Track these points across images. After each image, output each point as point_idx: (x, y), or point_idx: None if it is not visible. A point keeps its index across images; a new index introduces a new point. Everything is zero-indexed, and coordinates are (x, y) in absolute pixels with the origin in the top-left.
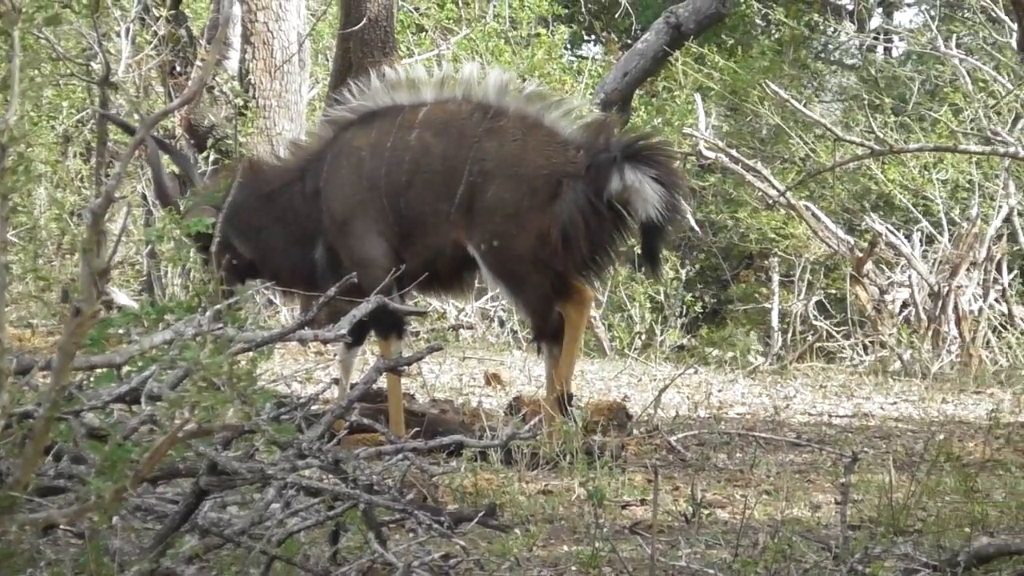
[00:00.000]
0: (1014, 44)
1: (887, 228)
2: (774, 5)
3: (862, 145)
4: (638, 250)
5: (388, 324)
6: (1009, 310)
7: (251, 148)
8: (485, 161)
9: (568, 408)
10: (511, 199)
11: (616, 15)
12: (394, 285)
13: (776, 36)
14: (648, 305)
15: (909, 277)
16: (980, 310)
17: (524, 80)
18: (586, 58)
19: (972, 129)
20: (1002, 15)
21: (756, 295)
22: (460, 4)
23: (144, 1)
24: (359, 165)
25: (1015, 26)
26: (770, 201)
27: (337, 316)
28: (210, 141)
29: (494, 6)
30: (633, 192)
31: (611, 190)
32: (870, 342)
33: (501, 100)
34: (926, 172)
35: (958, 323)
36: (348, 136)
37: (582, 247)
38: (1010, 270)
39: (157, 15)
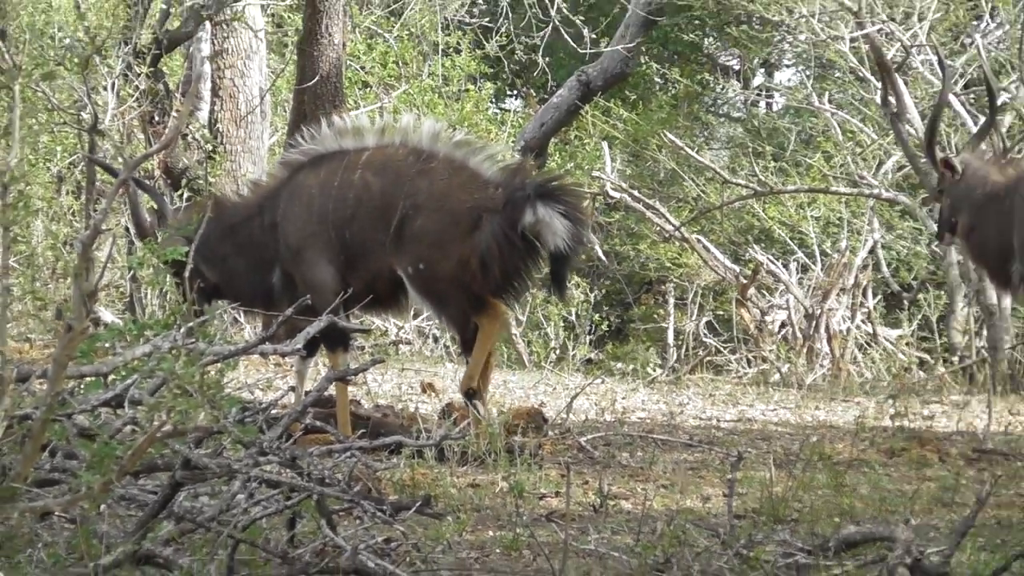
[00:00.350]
0: (878, 100)
1: (768, 258)
2: (670, 66)
3: (746, 187)
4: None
5: (336, 339)
6: (873, 330)
7: (218, 187)
8: (416, 197)
9: (473, 403)
10: (436, 229)
11: (534, 73)
12: (341, 306)
13: (672, 92)
14: (561, 324)
15: (787, 301)
16: (848, 330)
17: (454, 129)
18: (508, 110)
19: (842, 173)
20: (868, 75)
21: (654, 316)
22: (400, 63)
23: (127, 59)
24: (310, 201)
25: (879, 84)
26: (666, 235)
27: (294, 332)
28: (184, 181)
29: (429, 65)
30: (544, 225)
31: (524, 223)
32: (753, 357)
33: (433, 146)
34: (801, 210)
35: (829, 341)
36: (301, 177)
37: (497, 272)
38: (874, 295)
39: (139, 72)
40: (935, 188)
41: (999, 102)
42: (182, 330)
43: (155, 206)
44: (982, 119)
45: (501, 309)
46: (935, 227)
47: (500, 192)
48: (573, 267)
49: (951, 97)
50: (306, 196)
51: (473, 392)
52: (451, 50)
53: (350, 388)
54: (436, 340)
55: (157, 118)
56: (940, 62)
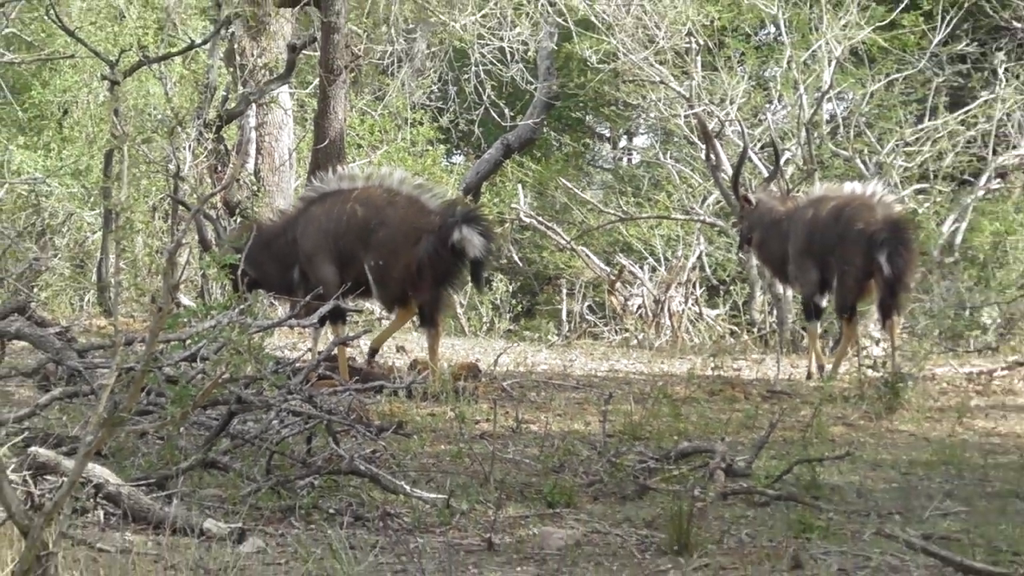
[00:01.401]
0: (703, 156)
1: (629, 262)
2: (563, 133)
3: (614, 215)
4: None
5: (336, 316)
6: (700, 311)
7: (258, 216)
8: (383, 219)
9: (373, 358)
10: (391, 240)
11: (472, 138)
12: (341, 294)
13: (565, 151)
14: (490, 306)
15: (642, 291)
16: (683, 310)
17: (416, 176)
18: (455, 164)
19: (679, 206)
20: (696, 140)
21: (553, 301)
22: (382, 132)
23: (199, 128)
24: (318, 223)
25: (703, 146)
26: (561, 247)
27: (310, 311)
28: (237, 211)
29: (401, 133)
30: (466, 241)
31: (453, 240)
32: (619, 329)
33: (400, 187)
34: (652, 230)
35: (670, 318)
36: (313, 207)
37: (428, 275)
38: (700, 287)
39: (207, 137)
40: (738, 215)
41: (783, 159)
42: (236, 310)
43: (214, 229)
44: (771, 169)
45: (413, 308)
46: (740, 241)
47: (437, 219)
48: (488, 269)
49: (751, 154)
50: (316, 220)
51: (374, 352)
52: (416, 123)
53: (349, 350)
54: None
55: (219, 168)
56: (742, 132)
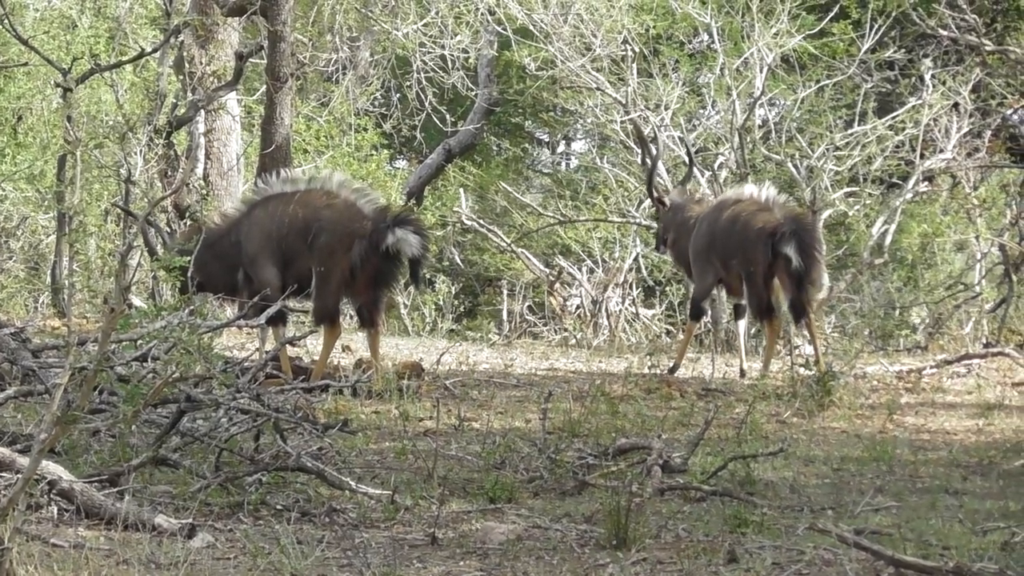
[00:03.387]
0: (639, 160)
1: (567, 264)
2: (503, 138)
3: (553, 218)
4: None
5: (278, 318)
6: (636, 311)
7: (207, 218)
8: (321, 223)
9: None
10: (329, 244)
11: (415, 144)
12: (286, 295)
13: (505, 156)
14: (433, 306)
15: (580, 292)
16: (620, 311)
17: (357, 179)
18: (399, 168)
19: (615, 209)
20: (632, 144)
21: (494, 302)
22: (327, 137)
23: (150, 134)
24: (261, 225)
25: (639, 150)
26: (502, 248)
27: (257, 312)
28: (187, 214)
29: (346, 138)
30: (402, 242)
31: (387, 243)
32: (558, 328)
33: (339, 190)
34: (589, 233)
35: (608, 318)
36: (256, 210)
37: (361, 277)
38: (636, 287)
39: (157, 142)
40: (654, 216)
41: (717, 163)
42: (185, 311)
43: (158, 235)
44: (686, 170)
45: (338, 330)
46: (656, 242)
47: (369, 224)
48: (425, 267)
49: (685, 158)
50: (258, 222)
51: (329, 375)
52: (361, 128)
53: (296, 350)
54: (352, 317)
55: (169, 173)
56: (655, 138)
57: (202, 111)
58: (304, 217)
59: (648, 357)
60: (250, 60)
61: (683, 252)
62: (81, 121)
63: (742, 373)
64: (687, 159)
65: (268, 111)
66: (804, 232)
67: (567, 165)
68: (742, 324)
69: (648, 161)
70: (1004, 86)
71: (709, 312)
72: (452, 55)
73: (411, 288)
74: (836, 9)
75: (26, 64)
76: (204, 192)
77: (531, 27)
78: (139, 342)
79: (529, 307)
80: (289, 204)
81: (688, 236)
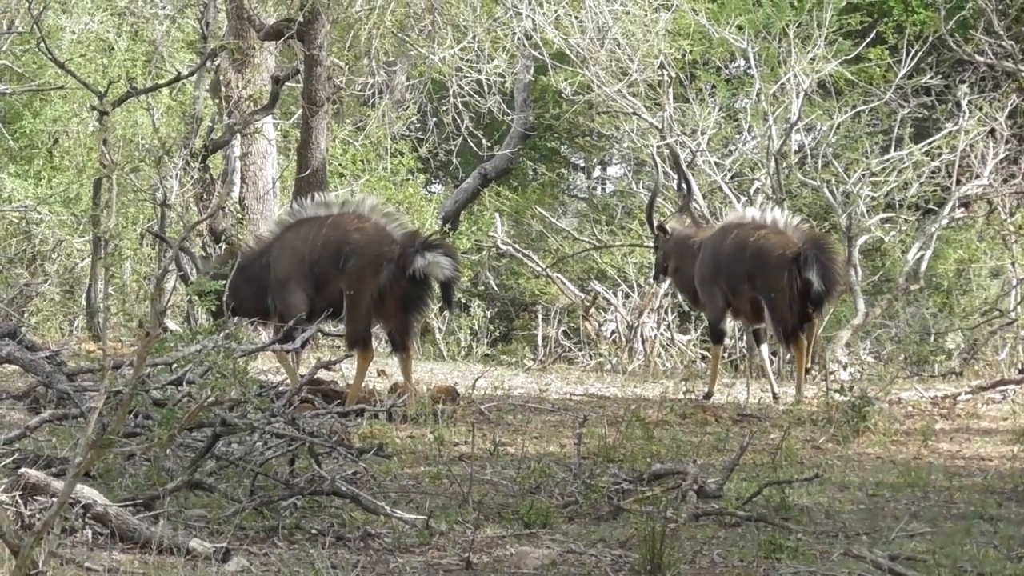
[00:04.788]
0: (675, 186)
1: (603, 289)
2: (539, 163)
3: (589, 243)
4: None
5: (287, 340)
6: (672, 336)
7: (242, 242)
8: (351, 246)
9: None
10: (359, 268)
11: (451, 168)
12: (321, 319)
13: (540, 180)
14: (468, 331)
15: (616, 317)
16: (656, 336)
17: (389, 203)
18: (435, 193)
19: (651, 234)
20: (669, 169)
21: (529, 326)
22: (364, 161)
23: (186, 158)
24: (292, 249)
25: (676, 175)
26: (537, 273)
27: (287, 337)
28: (223, 238)
29: (383, 162)
30: (433, 265)
31: (415, 268)
32: (593, 353)
33: (370, 214)
34: (625, 258)
35: (643, 343)
36: (288, 233)
37: (390, 301)
38: (672, 312)
39: (193, 166)
40: (654, 244)
41: (752, 188)
42: (221, 334)
43: (191, 260)
44: (684, 197)
45: (371, 354)
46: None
47: (397, 248)
48: (458, 288)
49: (720, 183)
50: (289, 245)
51: (364, 399)
52: (397, 153)
53: (331, 374)
54: (386, 342)
55: (205, 197)
56: (656, 167)
57: (238, 135)
58: (335, 240)
59: (683, 382)
60: (286, 84)
61: (687, 279)
62: (117, 145)
63: (775, 398)
64: (685, 185)
65: (304, 135)
66: (825, 255)
67: (603, 190)
68: (764, 349)
69: (684, 187)
70: None
71: (727, 332)
72: (488, 80)
73: (445, 312)
74: (873, 35)
75: (62, 87)
76: (240, 216)
77: (567, 52)
78: (174, 366)
79: (564, 332)
80: (321, 227)
81: (692, 262)
